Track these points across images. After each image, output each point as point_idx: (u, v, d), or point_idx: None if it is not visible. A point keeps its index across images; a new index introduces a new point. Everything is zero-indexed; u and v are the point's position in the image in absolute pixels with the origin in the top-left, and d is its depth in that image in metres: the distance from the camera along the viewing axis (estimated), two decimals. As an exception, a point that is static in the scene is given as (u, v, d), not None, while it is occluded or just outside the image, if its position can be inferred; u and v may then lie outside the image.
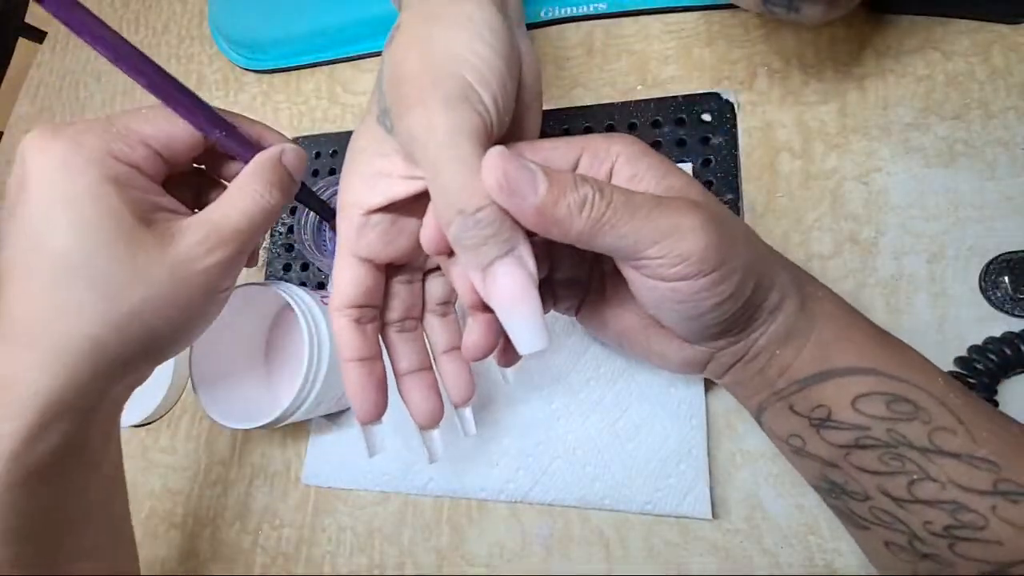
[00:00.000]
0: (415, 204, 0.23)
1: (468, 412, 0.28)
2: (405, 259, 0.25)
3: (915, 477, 0.21)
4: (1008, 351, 0.27)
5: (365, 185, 0.22)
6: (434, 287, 0.27)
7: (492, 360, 0.26)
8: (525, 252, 0.20)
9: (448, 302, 0.27)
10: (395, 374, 0.26)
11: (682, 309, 0.22)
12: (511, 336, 0.20)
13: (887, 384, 0.22)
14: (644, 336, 0.27)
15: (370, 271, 0.24)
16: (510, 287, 0.19)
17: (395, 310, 0.26)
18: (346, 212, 0.23)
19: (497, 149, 0.18)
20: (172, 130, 0.23)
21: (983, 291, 0.29)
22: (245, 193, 0.24)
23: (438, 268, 0.26)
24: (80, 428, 0.23)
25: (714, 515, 0.30)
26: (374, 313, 0.25)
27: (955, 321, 0.30)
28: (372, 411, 0.24)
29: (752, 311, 0.23)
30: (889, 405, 0.22)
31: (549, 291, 0.27)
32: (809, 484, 0.26)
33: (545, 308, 0.27)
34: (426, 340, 0.27)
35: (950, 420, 0.22)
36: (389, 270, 0.25)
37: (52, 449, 0.22)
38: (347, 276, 0.23)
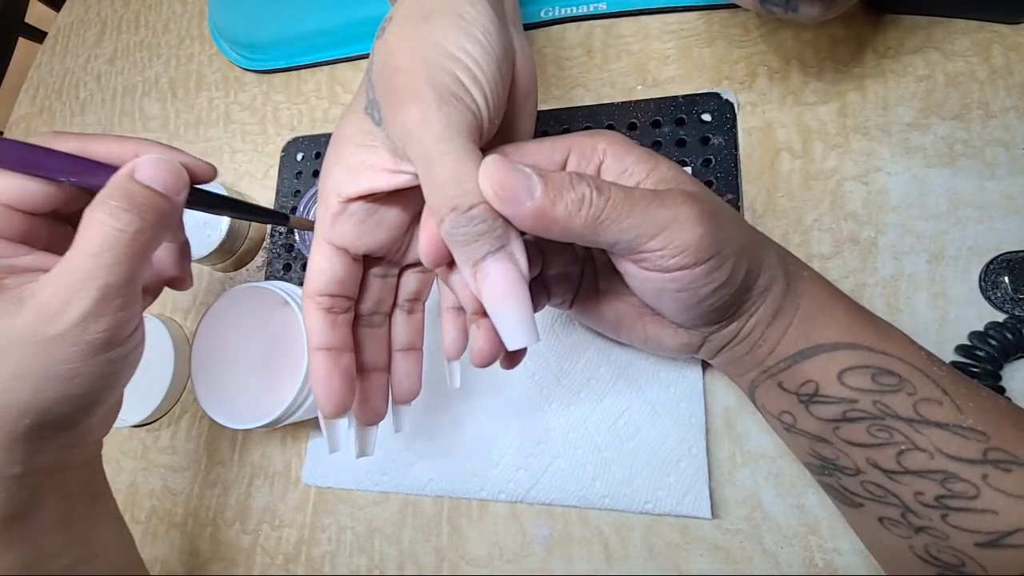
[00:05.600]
0: (396, 197, 0.23)
1: (407, 410, 0.28)
2: (382, 252, 0.24)
3: (903, 448, 0.22)
4: (1010, 335, 0.27)
5: (347, 174, 0.22)
6: (408, 282, 0.27)
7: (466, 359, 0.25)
8: (517, 249, 0.20)
9: (418, 299, 0.27)
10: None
11: (681, 297, 0.22)
12: (500, 331, 0.20)
13: (871, 357, 0.23)
14: (639, 324, 0.27)
15: (345, 261, 0.23)
16: (500, 283, 0.19)
17: (365, 303, 0.25)
18: (325, 199, 0.23)
19: (491, 158, 0.19)
20: (23, 180, 0.21)
21: (983, 291, 0.29)
22: (89, 228, 0.21)
23: (415, 264, 0.26)
24: (18, 495, 0.22)
25: (714, 515, 0.30)
26: (347, 304, 0.24)
27: (955, 321, 0.30)
28: (335, 405, 0.23)
29: (744, 294, 0.24)
30: (874, 378, 0.22)
31: (542, 287, 0.27)
32: (801, 462, 0.27)
33: (539, 303, 0.28)
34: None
35: (935, 391, 0.22)
36: (366, 262, 0.25)
37: None
38: (320, 264, 0.23)
